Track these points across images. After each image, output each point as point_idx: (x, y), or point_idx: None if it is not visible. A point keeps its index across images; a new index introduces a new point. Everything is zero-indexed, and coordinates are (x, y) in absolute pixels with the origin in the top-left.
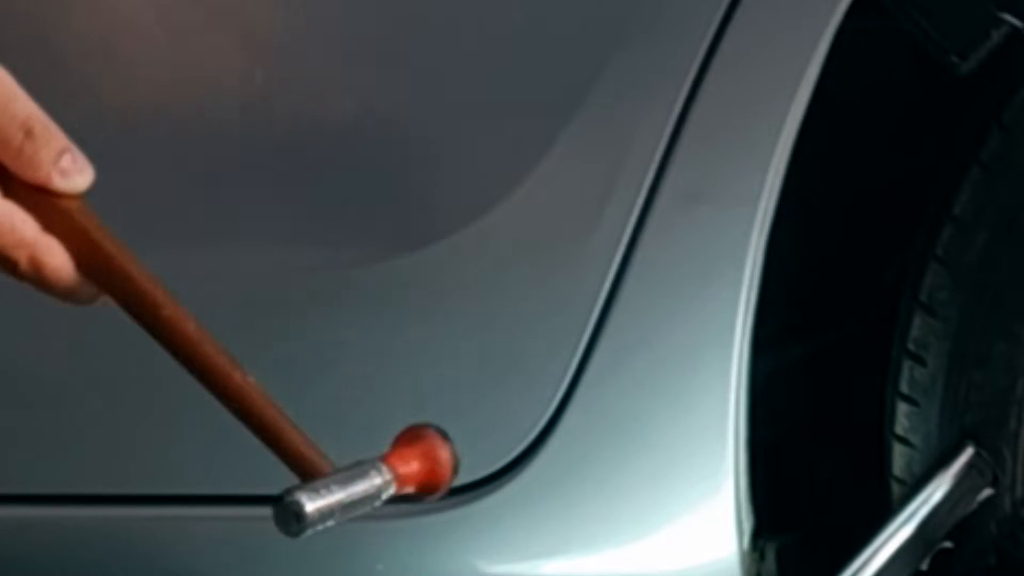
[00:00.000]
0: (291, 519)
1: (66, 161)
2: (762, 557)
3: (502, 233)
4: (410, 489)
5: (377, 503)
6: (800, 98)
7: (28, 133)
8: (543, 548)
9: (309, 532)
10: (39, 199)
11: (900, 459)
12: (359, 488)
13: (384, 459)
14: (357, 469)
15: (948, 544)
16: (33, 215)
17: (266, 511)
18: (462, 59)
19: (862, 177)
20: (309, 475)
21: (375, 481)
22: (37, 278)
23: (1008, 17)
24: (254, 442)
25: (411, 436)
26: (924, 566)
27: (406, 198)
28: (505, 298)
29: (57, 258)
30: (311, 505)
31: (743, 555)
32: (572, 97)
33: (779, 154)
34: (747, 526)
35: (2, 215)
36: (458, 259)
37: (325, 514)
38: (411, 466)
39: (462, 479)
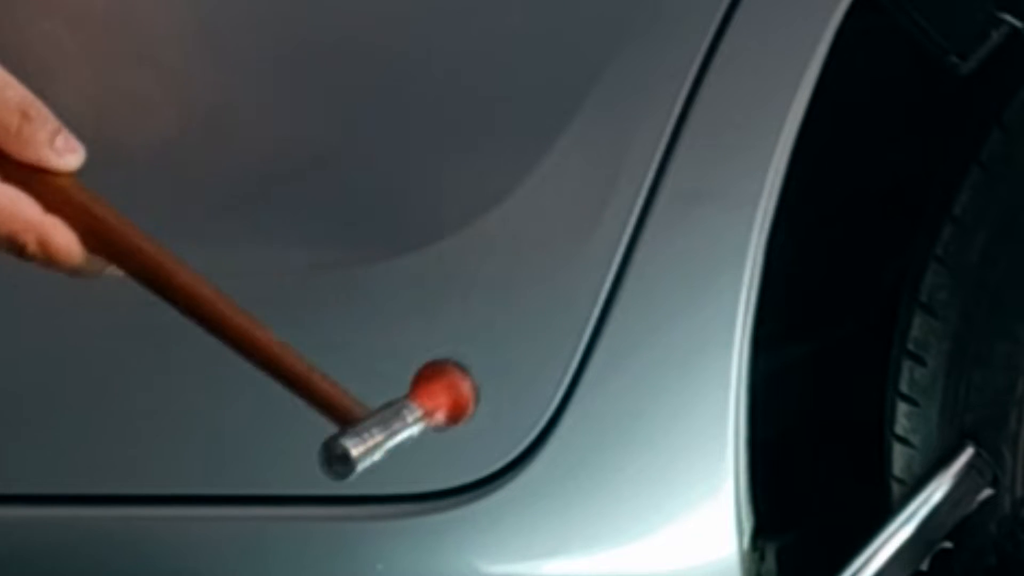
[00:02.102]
0: (338, 464)
1: (60, 140)
2: (762, 557)
3: (502, 233)
4: (440, 421)
5: (412, 438)
6: (800, 98)
7: (25, 116)
8: (543, 548)
9: (355, 474)
10: (36, 180)
11: (900, 459)
12: (396, 426)
13: (412, 397)
14: (390, 409)
15: (948, 544)
16: (33, 197)
17: (266, 511)
18: (462, 59)
19: (862, 177)
20: (345, 421)
21: (408, 419)
22: (46, 258)
23: (1008, 17)
24: (254, 442)
25: (432, 372)
26: (924, 566)
27: (406, 198)
28: (505, 298)
29: (64, 236)
30: (355, 449)
31: (743, 555)
32: (572, 97)
33: (779, 154)
34: (747, 526)
35: (5, 199)
36: (458, 259)
37: (369, 455)
38: (438, 400)
39: (462, 479)
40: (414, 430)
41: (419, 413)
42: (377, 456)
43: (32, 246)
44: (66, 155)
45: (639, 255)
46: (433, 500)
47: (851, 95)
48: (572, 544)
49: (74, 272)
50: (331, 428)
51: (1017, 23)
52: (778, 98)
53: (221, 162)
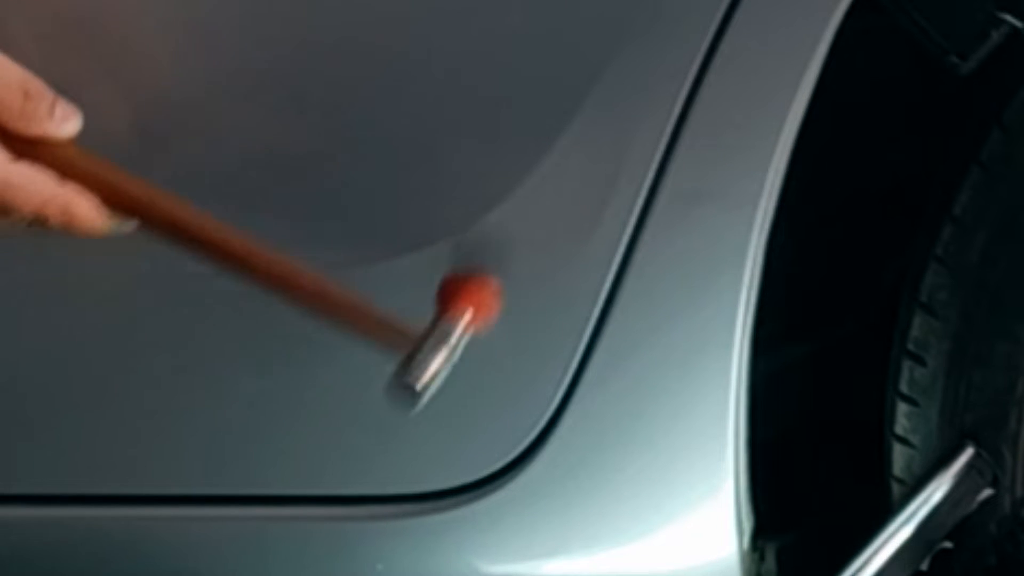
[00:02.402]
0: (408, 397)
1: (59, 110)
2: (762, 557)
3: (502, 233)
4: (481, 324)
5: (463, 345)
6: (800, 98)
7: (26, 94)
8: (543, 548)
9: (422, 404)
10: (44, 153)
11: (900, 459)
12: (448, 343)
13: (450, 311)
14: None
15: (948, 544)
16: (45, 170)
17: (266, 511)
18: (462, 58)
19: (862, 177)
20: (399, 345)
21: (457, 330)
22: (72, 225)
23: (1008, 17)
24: (254, 442)
25: (459, 280)
26: (924, 566)
27: (406, 198)
28: (505, 298)
29: (85, 202)
30: (421, 381)
31: (743, 555)
32: (572, 97)
33: (779, 154)
34: (747, 526)
35: (23, 177)
36: (458, 259)
37: (434, 380)
38: (474, 303)
39: (462, 479)
40: (462, 344)
41: (462, 326)
42: (441, 379)
43: (57, 217)
44: (65, 123)
45: (639, 255)
46: (433, 500)
47: (851, 95)
48: (572, 544)
49: (98, 234)
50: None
51: (1017, 23)
52: (778, 98)
53: (220, 162)
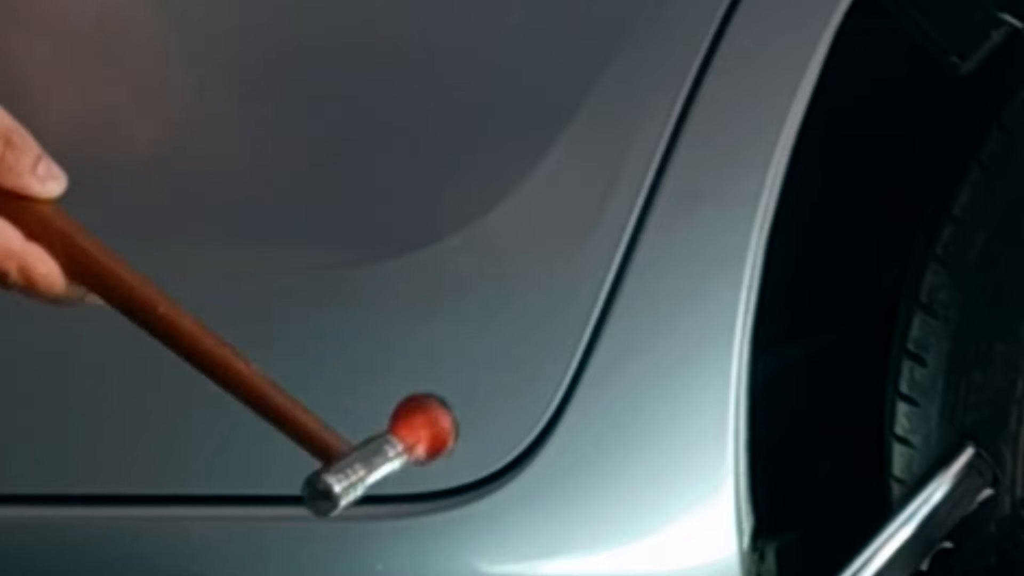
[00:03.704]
0: (322, 501)
1: (42, 167)
2: (762, 557)
3: (502, 233)
4: (421, 456)
5: (394, 472)
6: (800, 98)
7: (8, 143)
8: (543, 548)
9: (339, 510)
10: (18, 208)
11: (900, 459)
12: (377, 462)
13: (393, 432)
14: (372, 445)
15: (948, 544)
16: (14, 225)
17: (266, 511)
18: (462, 59)
19: (862, 177)
20: (327, 456)
21: (390, 453)
22: (28, 286)
23: (1008, 17)
24: (254, 442)
25: (413, 406)
26: (924, 566)
27: (406, 198)
28: (505, 298)
29: (46, 265)
30: (339, 486)
31: (743, 555)
32: (572, 97)
33: (779, 154)
34: (747, 526)
35: None
36: (458, 259)
37: (352, 491)
38: (418, 434)
39: (462, 479)
40: (395, 464)
41: (400, 448)
42: (359, 492)
43: (14, 275)
44: (48, 182)
45: (639, 255)
46: (433, 500)
47: (851, 95)
48: (572, 544)
49: (55, 301)
50: (313, 463)
51: (1017, 23)
52: (778, 98)
53: (221, 163)
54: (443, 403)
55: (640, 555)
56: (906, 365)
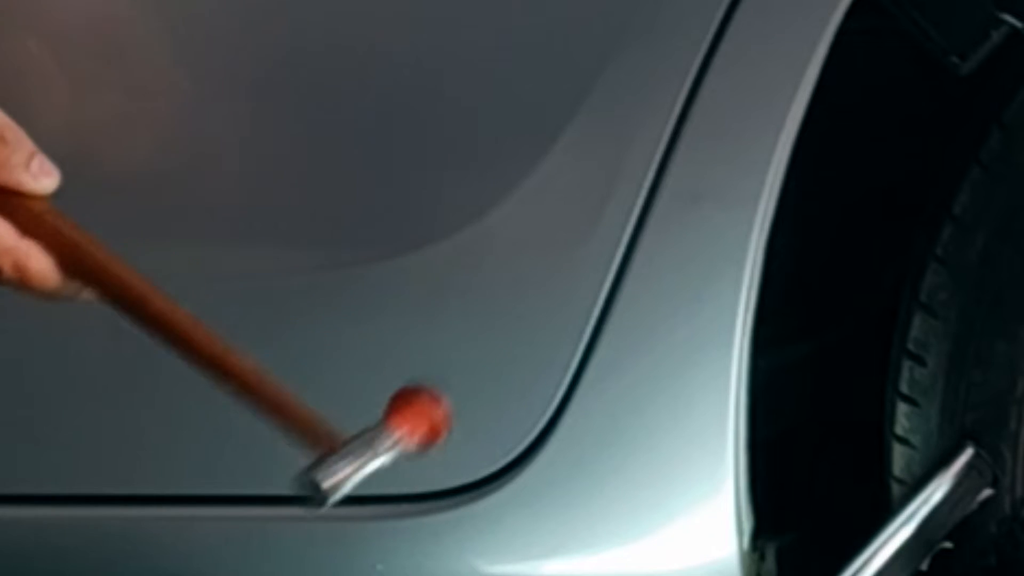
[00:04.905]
0: (312, 495)
1: (36, 164)
2: (762, 557)
3: (502, 233)
4: (413, 447)
5: (386, 465)
6: (800, 98)
7: (1, 140)
8: (543, 548)
9: (330, 504)
10: (11, 204)
11: (900, 459)
12: (369, 455)
13: (386, 423)
14: (364, 437)
15: (948, 544)
16: (8, 221)
17: (266, 511)
18: (462, 59)
19: (862, 177)
20: (321, 448)
21: (383, 446)
22: (22, 282)
23: (1008, 17)
24: (254, 442)
25: (406, 397)
26: (924, 566)
27: (406, 198)
28: (505, 298)
29: (40, 260)
30: (330, 480)
31: (743, 555)
32: (572, 97)
33: (779, 154)
34: (747, 526)
35: None
36: (458, 259)
37: (343, 484)
38: (412, 425)
39: (462, 479)
40: (388, 457)
41: (393, 440)
42: (351, 485)
43: (8, 270)
44: (41, 178)
45: (639, 255)
46: (433, 500)
47: (851, 95)
48: (572, 544)
49: (49, 296)
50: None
51: (1017, 23)
52: (778, 98)
53: (221, 163)
54: (436, 393)
55: (640, 555)
56: (906, 365)
